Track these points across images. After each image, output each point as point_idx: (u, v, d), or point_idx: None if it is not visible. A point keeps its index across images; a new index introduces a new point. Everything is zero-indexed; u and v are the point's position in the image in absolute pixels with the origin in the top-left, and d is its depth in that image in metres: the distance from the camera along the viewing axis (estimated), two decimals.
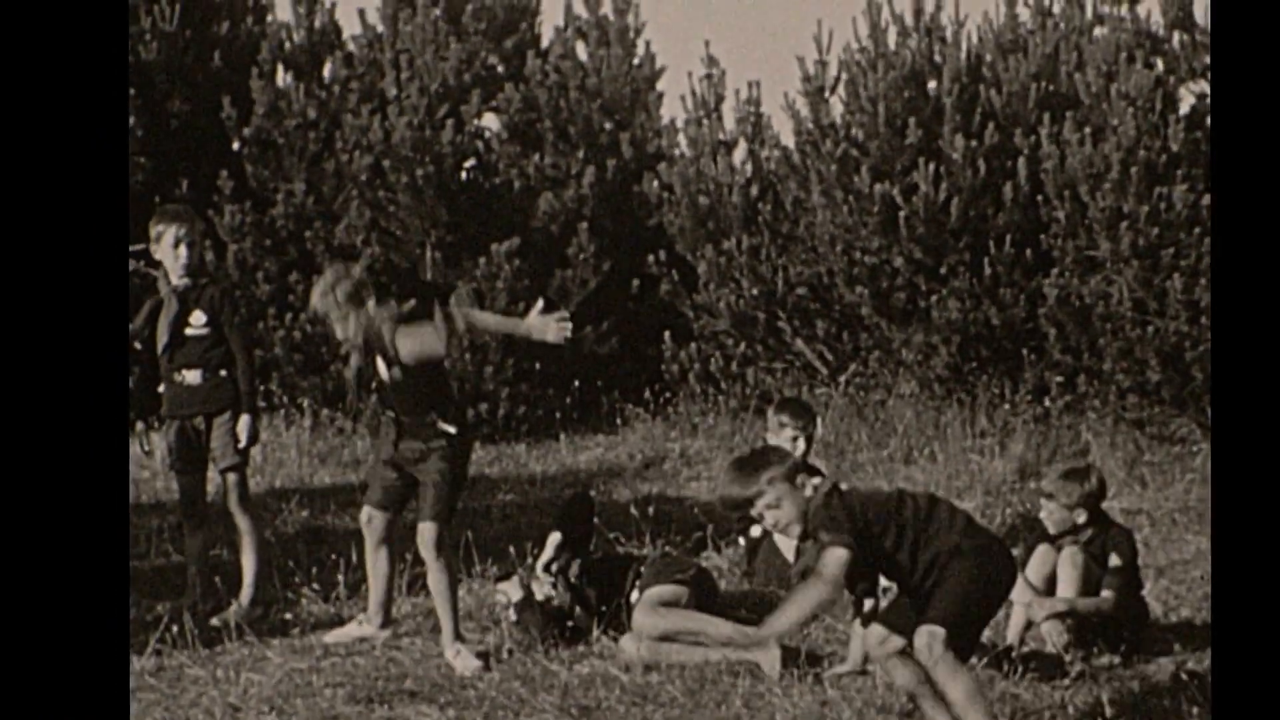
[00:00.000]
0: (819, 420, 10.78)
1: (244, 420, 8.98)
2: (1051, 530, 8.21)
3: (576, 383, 14.29)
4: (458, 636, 8.22)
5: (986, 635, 8.05)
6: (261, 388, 13.89)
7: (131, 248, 9.22)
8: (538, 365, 14.10)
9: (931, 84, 13.85)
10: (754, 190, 14.41)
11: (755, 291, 14.02)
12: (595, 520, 9.31)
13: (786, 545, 9.34)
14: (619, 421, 14.09)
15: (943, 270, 13.31)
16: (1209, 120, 12.87)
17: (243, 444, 9.02)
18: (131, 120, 14.47)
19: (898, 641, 6.72)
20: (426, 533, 8.17)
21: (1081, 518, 8.14)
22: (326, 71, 15.24)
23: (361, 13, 15.50)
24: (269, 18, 15.97)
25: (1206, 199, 12.44)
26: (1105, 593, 8.05)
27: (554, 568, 8.65)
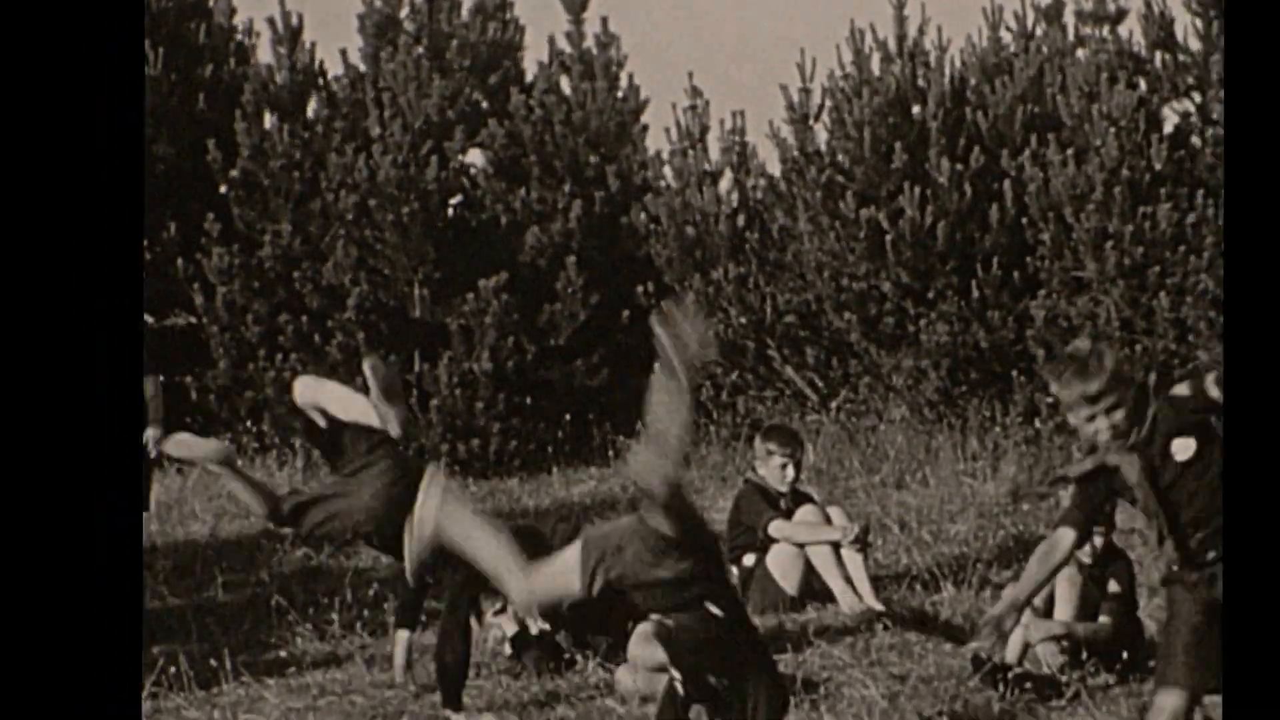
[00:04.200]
0: (807, 446, 10.76)
1: None
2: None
3: (568, 416, 14.27)
4: None
5: (983, 651, 8.05)
6: (254, 429, 13.96)
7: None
8: (529, 399, 14.10)
9: (916, 108, 13.88)
10: (740, 219, 14.43)
11: (744, 320, 14.03)
12: None
13: (781, 573, 9.33)
14: (611, 454, 14.05)
15: (930, 294, 13.33)
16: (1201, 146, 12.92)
17: None
18: None
19: None
20: None
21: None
22: (310, 111, 15.25)
23: (344, 51, 15.50)
24: (251, 59, 15.97)
25: (1191, 217, 12.51)
26: (1102, 619, 8.08)
27: None
